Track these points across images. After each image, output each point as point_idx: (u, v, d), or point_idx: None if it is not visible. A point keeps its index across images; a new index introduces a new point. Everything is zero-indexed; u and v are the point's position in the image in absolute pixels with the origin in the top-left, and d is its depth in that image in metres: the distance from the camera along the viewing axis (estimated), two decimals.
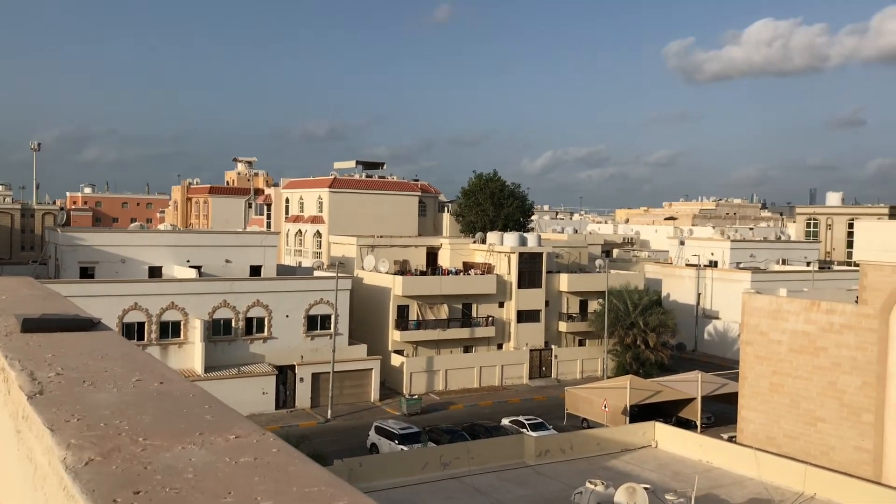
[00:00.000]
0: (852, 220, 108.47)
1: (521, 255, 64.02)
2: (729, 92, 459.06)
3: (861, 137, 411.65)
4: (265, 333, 54.52)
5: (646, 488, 23.01)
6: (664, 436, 35.68)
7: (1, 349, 2.95)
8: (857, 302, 34.79)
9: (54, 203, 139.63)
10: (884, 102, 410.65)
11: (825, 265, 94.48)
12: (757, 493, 29.67)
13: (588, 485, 23.92)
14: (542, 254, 65.23)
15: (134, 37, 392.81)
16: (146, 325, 50.49)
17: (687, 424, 47.94)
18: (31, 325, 3.45)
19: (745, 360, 38.25)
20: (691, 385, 51.55)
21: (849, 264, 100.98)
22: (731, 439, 39.63)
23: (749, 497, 29.40)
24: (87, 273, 52.86)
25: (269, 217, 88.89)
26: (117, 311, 49.04)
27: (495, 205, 78.42)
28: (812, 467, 30.27)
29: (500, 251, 64.94)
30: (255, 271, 58.30)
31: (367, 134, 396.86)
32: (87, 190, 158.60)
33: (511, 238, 65.16)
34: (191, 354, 51.40)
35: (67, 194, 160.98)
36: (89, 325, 3.60)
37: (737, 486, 30.55)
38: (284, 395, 54.44)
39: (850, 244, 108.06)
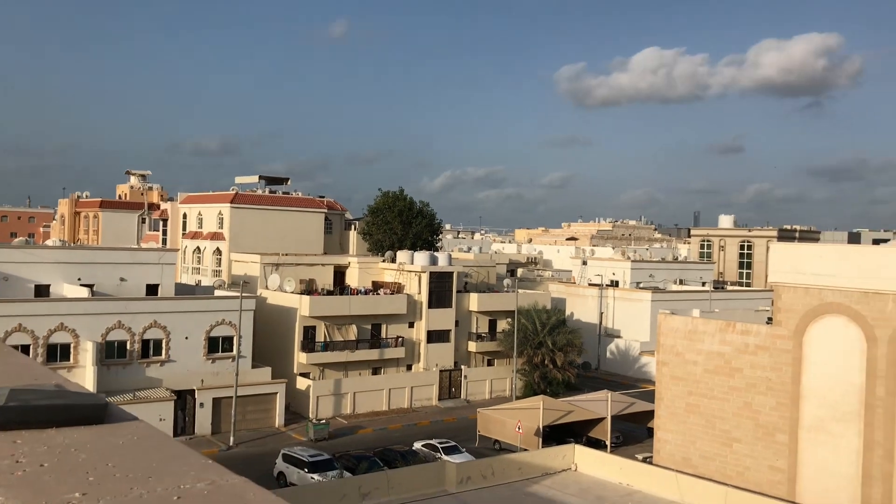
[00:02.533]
0: (744, 241, 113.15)
1: (431, 274, 63.12)
2: (617, 117, 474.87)
3: (740, 163, 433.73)
4: (163, 356, 51.48)
5: None
6: (584, 459, 35.28)
7: None
8: (769, 322, 35.53)
9: None
10: (760, 130, 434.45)
11: (719, 285, 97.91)
12: None
13: None
14: (452, 273, 64.56)
15: (14, 42, 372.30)
16: (31, 347, 46.63)
17: (597, 444, 47.97)
18: (12, 416, 2.15)
19: (661, 381, 38.43)
20: (601, 405, 51.73)
21: (740, 284, 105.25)
22: (646, 460, 39.71)
23: None
24: None
25: (164, 233, 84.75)
26: None
27: (403, 223, 77.32)
28: (732, 489, 30.42)
29: (410, 270, 63.85)
30: (152, 290, 55.09)
31: (261, 149, 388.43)
32: None
33: (421, 257, 64.22)
34: (82, 379, 47.76)
35: None
36: (101, 411, 2.33)
37: None
38: (183, 422, 51.47)
39: (741, 265, 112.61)
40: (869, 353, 30.48)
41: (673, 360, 37.62)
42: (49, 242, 64.81)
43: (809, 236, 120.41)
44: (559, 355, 64.00)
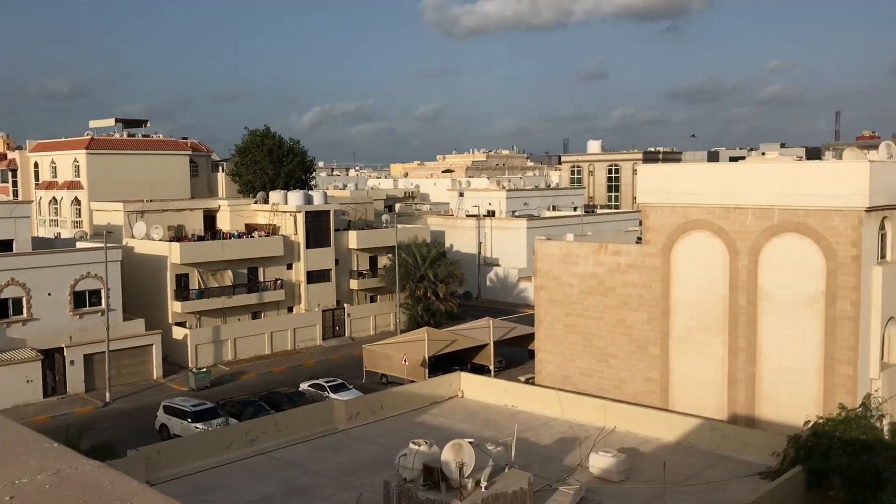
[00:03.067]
0: (611, 165, 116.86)
1: (307, 213, 61.85)
2: (485, 46, 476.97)
3: (605, 89, 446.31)
4: (24, 315, 48.48)
5: (470, 442, 22.71)
6: (469, 385, 36.04)
7: None
8: (639, 242, 36.91)
9: None
10: (622, 56, 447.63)
11: (590, 209, 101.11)
12: (563, 433, 30.72)
13: (412, 445, 23.22)
14: (329, 212, 63.50)
15: None
16: None
17: (482, 370, 49.14)
18: None
19: (540, 305, 39.46)
20: (483, 332, 52.83)
21: (610, 207, 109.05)
22: (528, 381, 40.96)
23: (557, 437, 30.37)
24: None
25: (15, 185, 79.11)
26: None
27: (274, 162, 75.06)
28: (611, 402, 31.84)
29: (284, 211, 62.32)
30: (6, 246, 51.40)
31: (116, 91, 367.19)
32: None
33: (296, 197, 62.73)
34: None
35: None
36: None
37: (544, 427, 31.46)
38: (54, 382, 48.98)
39: (610, 188, 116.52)
40: (731, 265, 32.23)
41: (550, 284, 38.63)
42: None
43: (672, 157, 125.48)
44: (441, 287, 64.68)
